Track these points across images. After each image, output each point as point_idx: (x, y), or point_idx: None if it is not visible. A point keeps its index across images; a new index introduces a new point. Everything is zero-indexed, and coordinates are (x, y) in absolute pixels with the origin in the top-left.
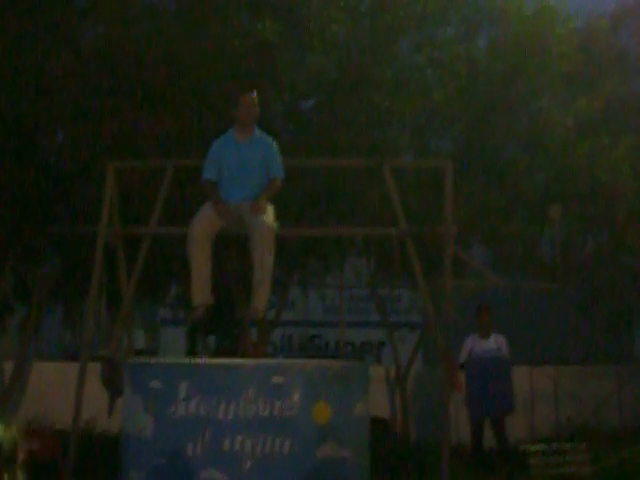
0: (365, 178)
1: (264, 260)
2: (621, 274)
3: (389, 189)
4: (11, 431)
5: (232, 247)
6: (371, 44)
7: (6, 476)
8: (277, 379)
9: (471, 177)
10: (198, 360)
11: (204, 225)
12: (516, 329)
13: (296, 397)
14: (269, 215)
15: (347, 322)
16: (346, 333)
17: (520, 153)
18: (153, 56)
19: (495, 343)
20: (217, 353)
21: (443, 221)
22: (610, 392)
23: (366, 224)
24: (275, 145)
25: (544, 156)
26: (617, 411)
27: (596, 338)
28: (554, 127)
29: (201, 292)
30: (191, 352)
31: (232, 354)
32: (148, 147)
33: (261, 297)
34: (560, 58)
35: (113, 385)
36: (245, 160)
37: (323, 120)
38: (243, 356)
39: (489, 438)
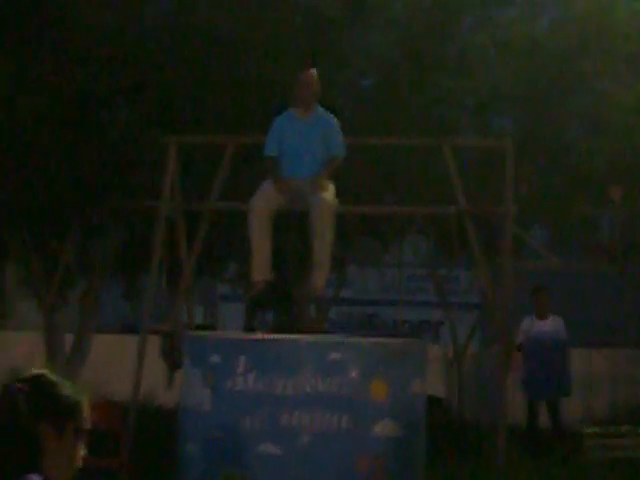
0: (425, 157)
1: (323, 237)
2: None
3: (449, 168)
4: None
5: (292, 224)
6: (432, 23)
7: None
8: (334, 355)
9: (531, 158)
10: (257, 335)
11: (264, 202)
12: (574, 311)
13: (353, 374)
14: (329, 192)
15: (405, 301)
16: (403, 312)
17: (581, 134)
18: (215, 33)
19: (552, 325)
20: (275, 329)
21: (503, 201)
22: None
23: (425, 203)
24: (336, 122)
25: (605, 138)
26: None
27: None
28: (616, 108)
29: (261, 268)
30: (249, 328)
31: (290, 331)
32: (210, 123)
33: (320, 274)
34: (623, 39)
35: (172, 359)
36: (306, 137)
37: (383, 98)
38: (301, 333)
39: (545, 420)
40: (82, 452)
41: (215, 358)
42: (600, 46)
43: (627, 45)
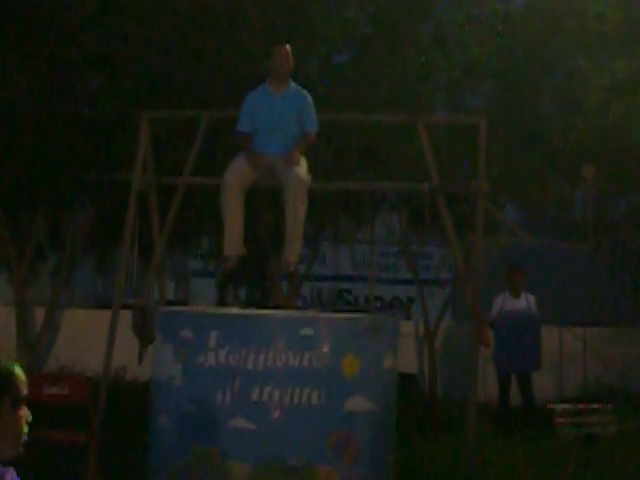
0: (398, 133)
1: (296, 213)
2: None
3: (423, 145)
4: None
5: (265, 199)
6: None
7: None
8: (306, 331)
9: (505, 135)
10: (228, 310)
11: (237, 176)
12: (546, 289)
13: (325, 349)
14: (302, 168)
15: (377, 277)
16: (376, 288)
17: (555, 112)
18: (188, 7)
19: (525, 303)
20: (247, 305)
21: (475, 178)
22: (638, 354)
23: (398, 179)
24: (310, 98)
25: (579, 115)
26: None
27: (626, 300)
28: (590, 87)
29: (233, 243)
30: (222, 303)
31: (263, 306)
32: (182, 97)
33: (293, 250)
34: (597, 17)
35: (144, 333)
36: (279, 113)
37: (357, 74)
38: (274, 308)
39: (516, 396)
40: (26, 421)
41: (186, 333)
42: (574, 24)
43: (601, 24)
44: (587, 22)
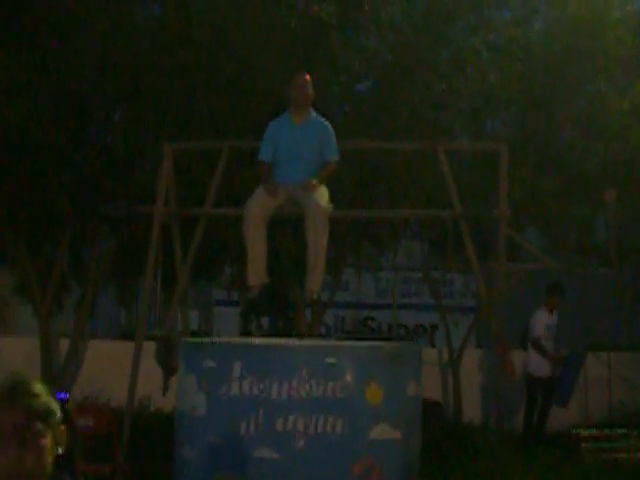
0: (419, 160)
1: (318, 242)
2: None
3: (443, 172)
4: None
5: (287, 228)
6: (426, 26)
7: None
8: (330, 360)
9: (526, 160)
10: (252, 340)
11: (259, 206)
12: (569, 313)
13: (349, 378)
14: (323, 197)
15: (400, 304)
16: (399, 315)
17: (576, 137)
18: (208, 36)
19: (556, 318)
20: (271, 334)
21: (497, 204)
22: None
23: (420, 206)
24: (330, 127)
25: (600, 140)
26: None
27: None
28: (610, 111)
29: (256, 272)
30: (245, 333)
31: (286, 335)
32: (204, 128)
33: (315, 278)
34: (617, 42)
35: (168, 364)
36: (300, 142)
37: (378, 102)
38: (297, 337)
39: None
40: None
41: (210, 363)
42: (594, 50)
43: (620, 48)
44: (607, 46)
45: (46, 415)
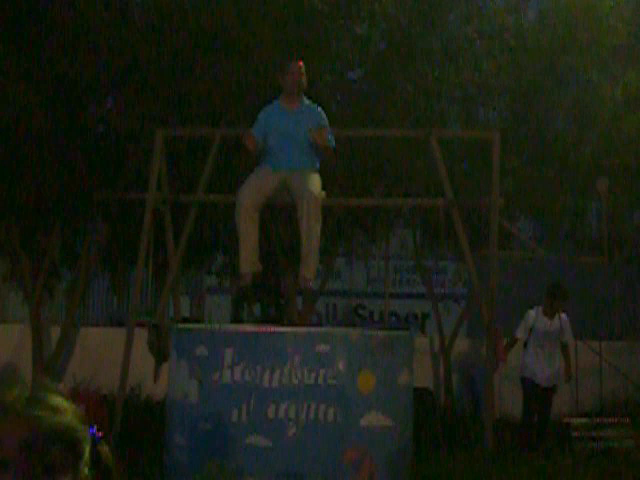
0: (412, 148)
1: (311, 230)
2: None
3: (436, 160)
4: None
5: (279, 216)
6: (419, 15)
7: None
8: (322, 347)
9: (518, 149)
10: (243, 328)
11: (252, 193)
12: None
13: (341, 365)
14: (316, 185)
15: (392, 293)
16: (391, 304)
17: (568, 126)
18: (201, 25)
19: (559, 324)
20: (262, 321)
21: (489, 193)
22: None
23: (412, 195)
24: (324, 114)
25: (592, 129)
26: None
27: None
28: (603, 100)
29: (248, 260)
30: (236, 320)
31: (278, 322)
32: (196, 115)
33: (309, 266)
34: (610, 31)
35: (159, 351)
36: (292, 128)
37: (371, 90)
38: (289, 324)
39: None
40: None
41: (202, 350)
42: (587, 38)
43: (613, 37)
44: (600, 35)
45: (69, 440)
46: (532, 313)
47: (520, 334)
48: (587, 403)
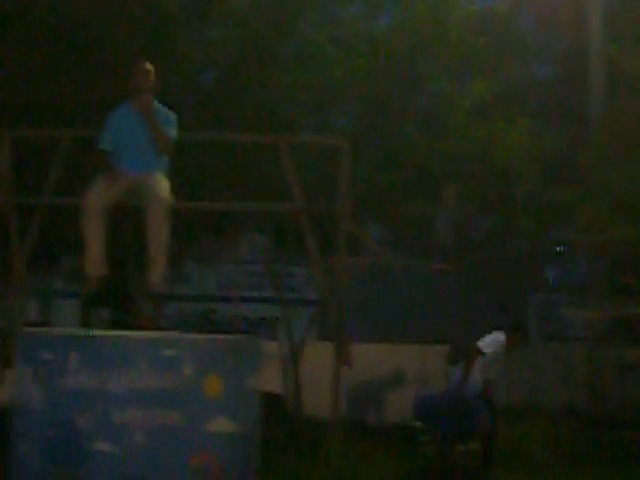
0: (262, 154)
1: (159, 233)
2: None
3: (285, 165)
4: None
5: (127, 219)
6: (273, 20)
7: None
8: (168, 352)
9: (369, 156)
10: (89, 332)
11: (98, 197)
12: (409, 307)
13: (187, 370)
14: (164, 188)
15: (242, 297)
16: (241, 308)
17: (418, 133)
18: (52, 24)
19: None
20: (111, 326)
21: (338, 199)
22: (500, 371)
23: (263, 200)
24: (173, 117)
25: (442, 137)
26: (505, 390)
27: (488, 318)
28: (452, 109)
29: (95, 264)
30: (85, 325)
31: (126, 327)
32: (44, 116)
33: (157, 271)
34: (460, 41)
35: (5, 356)
36: (141, 131)
37: (222, 95)
38: (137, 329)
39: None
40: None
41: (47, 355)
42: (437, 47)
43: (463, 47)
44: (450, 45)
45: None
46: (498, 337)
47: (488, 350)
48: None
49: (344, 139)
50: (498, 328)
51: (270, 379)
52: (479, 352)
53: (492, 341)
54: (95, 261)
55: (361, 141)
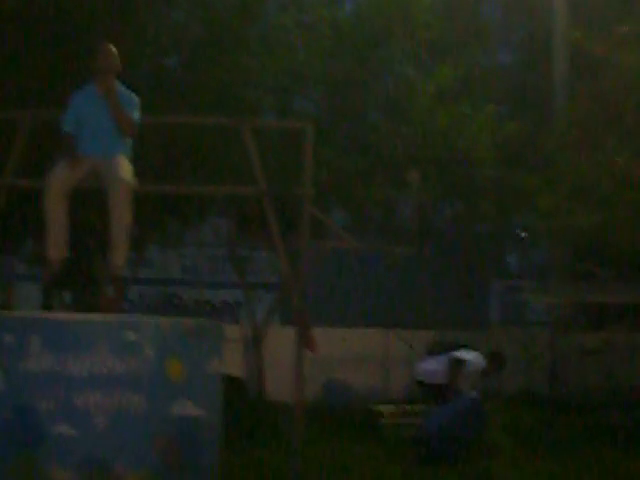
0: (226, 137)
1: (121, 217)
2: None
3: (248, 149)
4: None
5: (90, 202)
6: (238, 3)
7: None
8: (129, 335)
9: (333, 140)
10: (50, 314)
11: (61, 178)
12: (373, 292)
13: (148, 353)
14: (127, 171)
15: (205, 281)
16: (204, 292)
17: (382, 118)
18: (14, 6)
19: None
20: (73, 309)
21: (301, 182)
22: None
23: (226, 183)
24: (136, 100)
25: (405, 122)
26: None
27: (451, 303)
28: (416, 94)
29: (56, 246)
30: (47, 308)
31: (89, 310)
32: (6, 98)
33: (119, 254)
34: (424, 26)
35: None
36: (104, 114)
37: (186, 78)
38: (99, 312)
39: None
40: None
41: (8, 338)
42: (402, 33)
43: (428, 32)
44: (414, 30)
45: None
46: (477, 358)
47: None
48: (396, 391)
49: (308, 123)
50: (464, 346)
51: (232, 363)
52: (461, 362)
53: (475, 358)
54: (57, 244)
55: (325, 125)
